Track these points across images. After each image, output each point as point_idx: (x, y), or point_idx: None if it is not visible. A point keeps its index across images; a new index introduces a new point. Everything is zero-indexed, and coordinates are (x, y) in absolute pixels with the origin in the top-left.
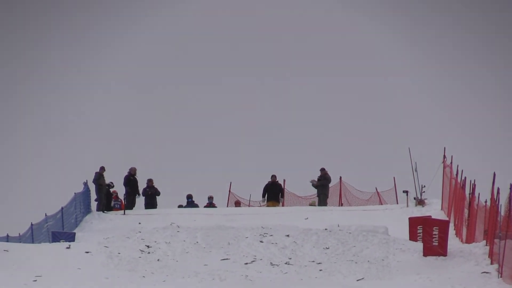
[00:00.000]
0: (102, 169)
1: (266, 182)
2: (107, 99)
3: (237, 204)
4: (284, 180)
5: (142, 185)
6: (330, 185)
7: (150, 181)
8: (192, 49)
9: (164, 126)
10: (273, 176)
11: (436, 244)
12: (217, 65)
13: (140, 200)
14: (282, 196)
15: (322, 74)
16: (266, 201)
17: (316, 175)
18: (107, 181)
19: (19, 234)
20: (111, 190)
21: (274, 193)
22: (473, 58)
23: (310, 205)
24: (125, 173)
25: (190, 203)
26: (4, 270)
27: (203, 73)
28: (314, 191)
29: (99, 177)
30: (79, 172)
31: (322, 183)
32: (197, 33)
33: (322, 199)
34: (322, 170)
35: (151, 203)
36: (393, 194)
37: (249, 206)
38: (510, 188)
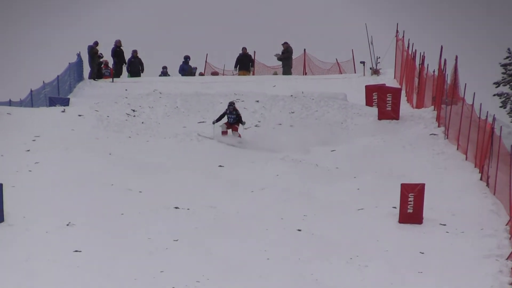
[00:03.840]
0: (96, 43)
1: (238, 54)
2: None
3: (214, 74)
4: (254, 52)
5: (127, 55)
6: (294, 56)
7: (134, 52)
8: None
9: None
10: (244, 48)
11: (390, 109)
12: None
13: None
14: (252, 65)
15: None
16: (238, 70)
17: (281, 47)
18: (98, 53)
19: (20, 99)
20: (101, 60)
21: (244, 63)
22: None
23: (274, 74)
24: (112, 45)
25: (186, 63)
26: (6, 131)
27: None
28: (280, 62)
29: (92, 50)
30: (73, 44)
31: (285, 56)
32: None
33: (286, 69)
34: (284, 43)
35: (135, 72)
36: (351, 65)
37: (223, 75)
38: (455, 60)
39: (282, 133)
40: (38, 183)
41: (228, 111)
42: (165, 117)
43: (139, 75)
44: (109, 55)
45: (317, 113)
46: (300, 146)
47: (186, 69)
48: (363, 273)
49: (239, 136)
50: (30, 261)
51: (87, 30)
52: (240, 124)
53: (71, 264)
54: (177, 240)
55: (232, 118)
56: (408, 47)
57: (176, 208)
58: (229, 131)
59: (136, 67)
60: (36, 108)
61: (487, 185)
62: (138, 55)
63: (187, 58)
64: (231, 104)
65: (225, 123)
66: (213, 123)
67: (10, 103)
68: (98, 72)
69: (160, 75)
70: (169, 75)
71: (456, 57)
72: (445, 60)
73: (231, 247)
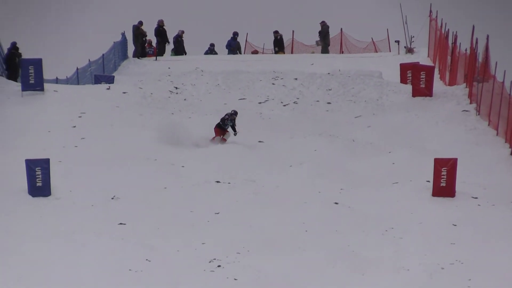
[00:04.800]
0: (140, 23)
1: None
2: None
3: (254, 53)
4: (293, 31)
5: (170, 34)
6: (331, 35)
7: (182, 32)
8: None
9: None
10: (275, 32)
11: (423, 86)
12: None
13: (170, 47)
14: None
15: None
16: (274, 53)
17: (318, 26)
18: (143, 32)
19: (67, 77)
20: (145, 39)
21: (279, 45)
22: None
23: (311, 53)
24: (155, 25)
25: (234, 39)
26: (53, 108)
27: None
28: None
29: (136, 29)
30: (118, 24)
31: (322, 36)
32: None
33: (324, 47)
34: (321, 22)
35: (180, 51)
36: (386, 44)
37: (263, 53)
38: (486, 39)
39: (320, 110)
40: (84, 158)
41: (229, 118)
42: (206, 94)
43: (182, 54)
44: (152, 35)
45: (354, 90)
46: (337, 121)
47: (234, 45)
48: (398, 245)
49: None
50: (76, 233)
51: (132, 8)
52: (228, 131)
53: (116, 236)
54: (218, 213)
55: (227, 126)
56: (441, 27)
57: (217, 182)
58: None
59: (181, 47)
60: (82, 86)
61: None
62: (183, 37)
63: (235, 34)
64: (235, 114)
65: (217, 133)
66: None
67: (57, 80)
68: (142, 50)
69: (206, 52)
70: (215, 53)
71: (488, 36)
72: (476, 39)
73: (271, 219)
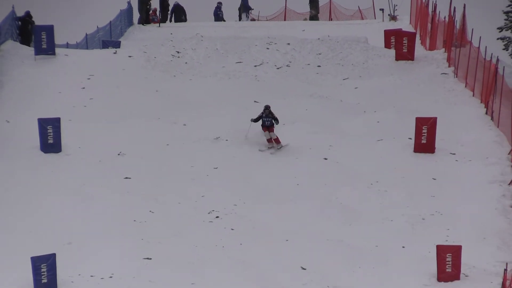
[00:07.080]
0: None
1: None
2: None
3: (252, 21)
4: (286, 0)
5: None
6: (321, 4)
7: (177, 3)
8: None
9: None
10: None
11: (406, 51)
12: None
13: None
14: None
15: None
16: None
17: None
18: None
19: (76, 42)
20: (149, 7)
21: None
22: None
23: (303, 20)
24: None
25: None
26: (64, 70)
27: None
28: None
29: None
30: None
31: (314, 4)
32: None
33: (315, 15)
34: None
35: (180, 19)
36: (371, 11)
37: (258, 20)
38: (463, 8)
39: (311, 73)
40: (92, 117)
41: (264, 115)
42: (206, 58)
43: (183, 21)
44: (156, 3)
45: (342, 55)
46: (326, 83)
47: (246, 3)
48: (382, 197)
49: (279, 142)
50: (85, 187)
51: None
52: (275, 125)
53: (121, 190)
54: (216, 168)
55: (268, 122)
56: None
57: (216, 139)
58: (271, 135)
59: (179, 14)
60: (90, 50)
61: (492, 118)
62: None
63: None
64: (267, 108)
65: (264, 130)
66: (251, 121)
67: (67, 45)
68: (147, 18)
69: (215, 11)
70: (221, 13)
71: (464, 5)
72: (454, 7)
73: (265, 174)
